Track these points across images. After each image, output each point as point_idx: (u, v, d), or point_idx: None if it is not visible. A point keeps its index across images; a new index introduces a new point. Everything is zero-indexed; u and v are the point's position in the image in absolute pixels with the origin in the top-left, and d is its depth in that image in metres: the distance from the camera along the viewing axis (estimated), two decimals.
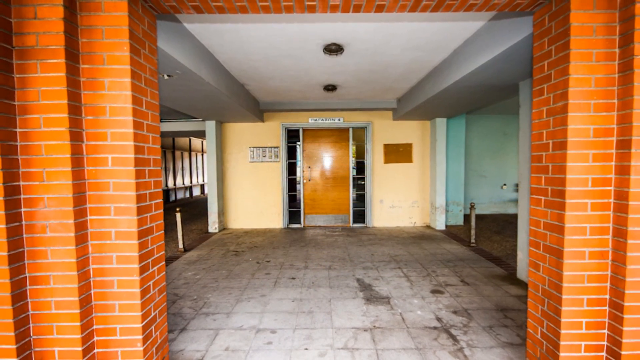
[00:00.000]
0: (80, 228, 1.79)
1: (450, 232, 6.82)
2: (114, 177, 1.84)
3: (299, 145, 7.68)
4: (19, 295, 1.69)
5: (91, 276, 1.87)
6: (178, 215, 5.58)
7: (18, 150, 1.70)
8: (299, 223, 7.69)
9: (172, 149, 13.45)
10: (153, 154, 2.07)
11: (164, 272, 2.20)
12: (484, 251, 5.35)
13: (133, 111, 1.85)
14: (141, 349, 1.91)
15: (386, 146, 7.48)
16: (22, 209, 1.71)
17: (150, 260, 2.02)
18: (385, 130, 7.46)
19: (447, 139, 7.56)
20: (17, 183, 1.69)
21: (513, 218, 8.30)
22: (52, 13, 1.68)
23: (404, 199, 7.56)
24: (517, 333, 2.77)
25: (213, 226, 7.08)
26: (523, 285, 3.84)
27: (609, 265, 1.85)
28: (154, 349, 2.05)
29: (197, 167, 16.25)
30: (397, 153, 7.50)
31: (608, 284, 1.86)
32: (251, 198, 7.51)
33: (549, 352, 2.00)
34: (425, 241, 6.06)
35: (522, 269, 4.02)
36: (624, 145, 1.76)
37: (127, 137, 1.84)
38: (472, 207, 5.50)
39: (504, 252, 5.31)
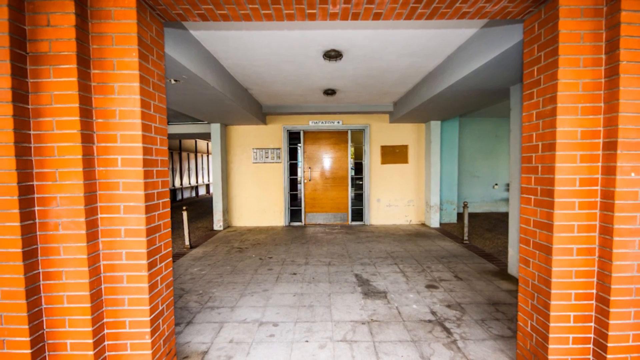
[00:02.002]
0: (91, 226, 1.79)
1: (445, 230, 6.82)
2: (124, 177, 1.84)
3: (300, 146, 7.68)
4: (32, 290, 1.69)
5: (101, 272, 1.87)
6: (184, 213, 5.58)
7: (32, 152, 1.70)
8: (300, 221, 7.69)
9: (178, 150, 13.45)
10: (161, 155, 2.07)
11: (171, 268, 2.20)
12: (477, 248, 5.35)
13: (142, 114, 1.85)
14: (149, 341, 1.91)
15: (383, 147, 7.48)
16: (36, 208, 1.71)
17: (158, 256, 2.02)
18: (383, 133, 7.46)
19: (441, 141, 7.56)
20: (30, 183, 1.69)
21: (504, 216, 8.30)
22: (64, 21, 1.68)
23: (400, 198, 7.56)
24: (508, 326, 2.77)
25: (218, 224, 7.08)
26: (514, 280, 3.84)
27: (595, 262, 1.86)
28: (161, 341, 2.05)
29: (202, 167, 16.25)
30: (394, 154, 7.50)
31: (595, 280, 1.86)
32: (254, 197, 7.51)
33: (538, 344, 2.00)
34: (420, 238, 6.06)
35: (513, 265, 4.02)
36: (610, 146, 1.76)
37: (136, 139, 1.84)
38: (465, 205, 5.50)
39: (495, 249, 5.32)
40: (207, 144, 16.55)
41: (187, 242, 5.57)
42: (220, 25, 3.06)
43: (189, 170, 14.46)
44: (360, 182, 8.08)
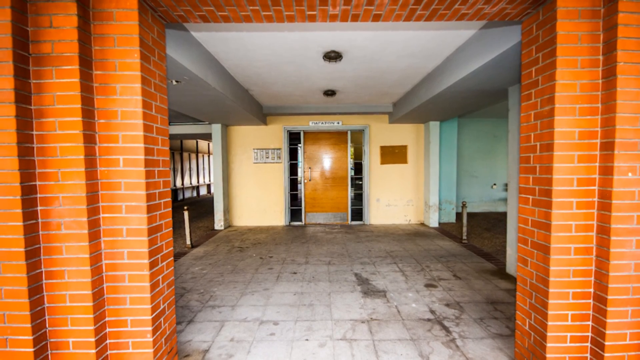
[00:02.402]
0: (93, 225, 1.79)
1: (443, 229, 6.82)
2: (125, 177, 1.84)
3: (300, 147, 7.68)
4: (35, 289, 1.69)
5: (103, 271, 1.87)
6: (186, 213, 5.58)
7: (34, 152, 1.70)
8: (300, 221, 7.68)
9: (180, 150, 13.45)
10: (162, 156, 2.07)
11: (173, 267, 2.20)
12: (475, 247, 5.35)
13: (143, 115, 1.85)
14: (151, 339, 1.91)
15: (382, 148, 7.48)
16: (38, 208, 1.71)
17: (159, 255, 2.02)
18: (382, 133, 7.46)
19: (440, 141, 7.56)
20: (33, 183, 1.69)
21: (503, 216, 8.30)
22: (66, 22, 1.68)
23: (399, 198, 7.56)
24: (506, 325, 2.77)
25: (219, 224, 7.08)
26: (512, 279, 3.84)
27: (593, 261, 1.85)
28: (162, 339, 2.05)
29: (203, 167, 16.25)
30: (393, 154, 7.50)
31: (592, 279, 1.86)
32: (255, 197, 7.51)
33: (536, 343, 2.00)
34: (419, 238, 6.06)
35: (511, 264, 4.02)
36: (608, 147, 1.76)
37: (138, 140, 1.83)
38: (463, 205, 5.50)
39: (494, 248, 5.31)
40: (208, 144, 16.55)
41: (188, 242, 5.57)
42: (221, 27, 3.06)
43: (190, 171, 14.46)
44: (360, 182, 8.09)
